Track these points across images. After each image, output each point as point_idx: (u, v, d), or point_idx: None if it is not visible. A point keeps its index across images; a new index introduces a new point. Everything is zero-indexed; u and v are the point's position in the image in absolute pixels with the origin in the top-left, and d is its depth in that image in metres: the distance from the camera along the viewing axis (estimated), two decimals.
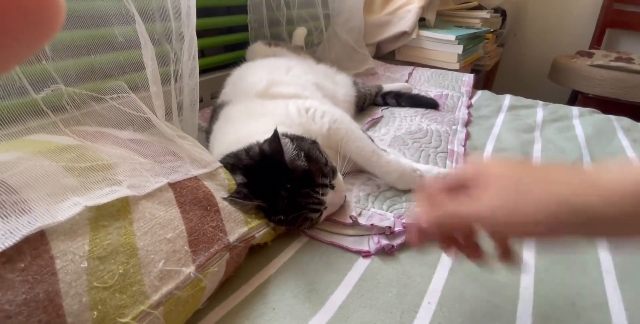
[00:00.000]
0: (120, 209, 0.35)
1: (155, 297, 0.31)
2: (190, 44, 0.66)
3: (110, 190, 0.36)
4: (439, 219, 0.29)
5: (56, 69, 0.52)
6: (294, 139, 0.47)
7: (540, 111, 0.94)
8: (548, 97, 1.09)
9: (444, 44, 1.33)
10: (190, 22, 0.65)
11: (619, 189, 0.22)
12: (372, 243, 0.46)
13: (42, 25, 0.10)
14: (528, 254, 0.46)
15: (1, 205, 0.30)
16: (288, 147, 0.45)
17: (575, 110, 0.93)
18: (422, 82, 1.16)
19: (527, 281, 0.42)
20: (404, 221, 0.49)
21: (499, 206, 0.25)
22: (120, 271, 0.30)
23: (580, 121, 0.87)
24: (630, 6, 1.75)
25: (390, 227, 0.47)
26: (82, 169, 0.37)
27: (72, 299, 0.28)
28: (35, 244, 0.28)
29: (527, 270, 0.43)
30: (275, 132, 0.45)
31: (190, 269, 0.34)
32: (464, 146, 0.74)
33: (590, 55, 1.67)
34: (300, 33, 1.08)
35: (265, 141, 0.47)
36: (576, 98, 1.60)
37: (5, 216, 0.29)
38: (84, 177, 0.36)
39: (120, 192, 0.36)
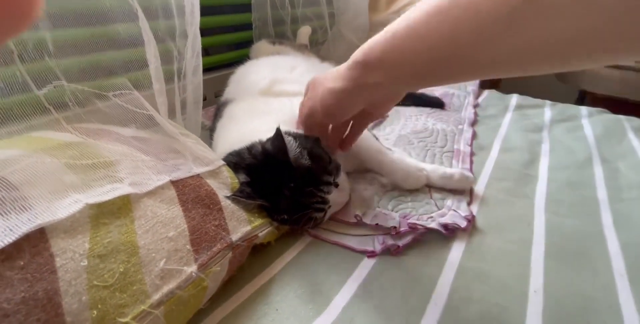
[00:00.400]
0: (121, 207, 0.34)
1: (156, 296, 0.31)
2: (194, 42, 0.66)
3: (111, 187, 0.35)
4: (303, 119, 0.50)
5: (59, 66, 0.52)
6: (297, 137, 0.46)
7: (548, 110, 0.93)
8: (555, 97, 1.08)
9: None
10: (194, 20, 0.65)
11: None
12: (377, 243, 0.45)
13: (12, 16, 0.09)
14: (538, 255, 0.45)
15: (1, 202, 0.30)
16: (291, 146, 0.44)
17: (584, 110, 0.92)
18: None
19: (536, 284, 0.41)
20: (409, 221, 0.48)
21: (310, 104, 0.46)
22: (121, 270, 0.30)
23: (590, 121, 0.85)
24: None
25: (395, 227, 0.47)
26: (84, 166, 0.37)
27: (71, 298, 0.27)
28: (35, 242, 0.28)
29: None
30: (278, 131, 0.44)
31: (192, 269, 0.34)
32: (471, 145, 0.73)
33: None
34: (304, 31, 1.08)
35: (268, 139, 0.46)
36: (584, 98, 1.58)
37: (5, 213, 0.29)
38: (85, 175, 0.36)
39: (122, 189, 0.35)
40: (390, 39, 0.34)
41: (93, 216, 0.32)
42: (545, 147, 0.73)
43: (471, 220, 0.50)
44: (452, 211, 0.51)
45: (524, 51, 0.27)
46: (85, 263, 0.28)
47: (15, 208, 0.30)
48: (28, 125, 0.53)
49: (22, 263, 0.26)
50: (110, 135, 0.47)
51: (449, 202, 0.53)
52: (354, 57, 0.38)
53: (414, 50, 0.32)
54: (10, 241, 0.26)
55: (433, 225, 0.48)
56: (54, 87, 0.50)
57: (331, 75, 0.42)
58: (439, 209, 0.52)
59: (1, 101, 0.51)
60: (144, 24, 0.56)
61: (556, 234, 0.49)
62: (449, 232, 0.47)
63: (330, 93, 0.42)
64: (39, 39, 0.50)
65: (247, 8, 0.96)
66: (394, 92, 0.43)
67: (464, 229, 0.48)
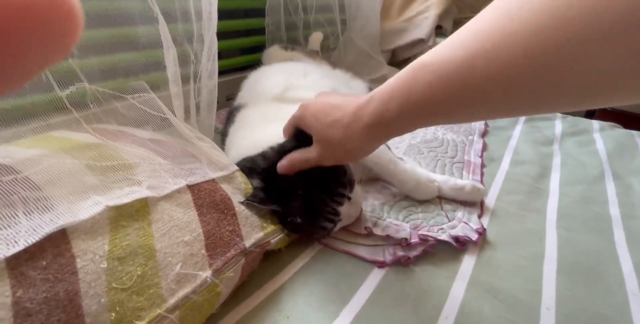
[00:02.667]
0: (139, 210, 0.35)
1: (172, 301, 0.31)
2: (211, 46, 0.67)
3: (130, 190, 0.36)
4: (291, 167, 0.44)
5: (81, 66, 0.53)
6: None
7: (559, 123, 0.93)
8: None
9: None
10: (211, 25, 0.66)
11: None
12: (387, 254, 0.45)
13: (57, 41, 0.10)
14: (550, 271, 0.45)
15: (25, 201, 0.30)
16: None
17: (595, 124, 0.92)
18: None
19: (549, 301, 0.40)
20: (420, 232, 0.48)
21: (325, 157, 0.41)
22: (139, 273, 0.30)
23: (601, 135, 0.85)
24: None
25: (406, 238, 0.47)
26: (104, 168, 0.38)
27: (91, 300, 0.27)
28: (57, 243, 0.28)
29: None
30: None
31: (207, 274, 0.34)
32: (481, 157, 0.73)
33: None
34: (316, 38, 1.08)
35: (287, 139, 0.46)
36: (594, 111, 1.57)
37: (28, 212, 0.29)
38: (105, 176, 0.36)
39: (140, 192, 0.36)
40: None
41: (112, 218, 0.33)
42: (556, 161, 0.73)
43: (482, 233, 0.50)
44: (463, 223, 0.51)
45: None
46: (104, 265, 0.29)
47: (38, 208, 0.30)
48: (47, 123, 0.54)
49: (44, 263, 0.27)
50: (127, 137, 0.48)
51: (460, 214, 0.53)
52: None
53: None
54: (34, 241, 0.27)
55: (444, 237, 0.48)
56: (76, 88, 0.51)
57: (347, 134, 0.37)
58: (450, 221, 0.52)
59: (24, 100, 0.52)
60: (163, 27, 0.57)
61: (568, 250, 0.48)
62: (460, 245, 0.47)
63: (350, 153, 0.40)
64: None
65: (260, 13, 0.97)
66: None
67: (474, 242, 0.48)
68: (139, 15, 0.61)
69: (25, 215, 0.29)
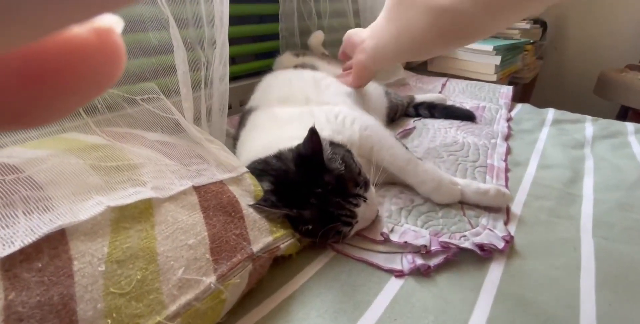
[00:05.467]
0: (142, 211, 0.33)
1: (173, 307, 0.29)
2: (222, 50, 0.66)
3: (134, 191, 0.35)
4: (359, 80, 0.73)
5: None
6: (331, 144, 0.45)
7: (589, 126, 0.87)
8: (594, 112, 1.01)
9: (481, 54, 1.28)
10: (222, 28, 0.65)
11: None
12: (405, 262, 0.42)
13: (101, 81, 0.10)
14: (588, 285, 0.40)
15: (25, 201, 0.29)
16: (326, 147, 0.42)
17: (630, 126, 0.85)
18: (456, 94, 1.11)
19: (588, 318, 0.36)
20: (441, 239, 0.45)
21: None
22: (138, 277, 0.28)
23: (637, 138, 0.79)
24: None
25: (425, 246, 0.43)
26: (108, 168, 0.37)
27: (86, 305, 0.26)
28: (55, 243, 0.27)
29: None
30: (314, 130, 0.42)
31: (210, 279, 0.32)
32: (505, 160, 0.69)
33: None
34: (316, 38, 1.02)
35: (303, 141, 0.45)
36: (626, 114, 1.48)
37: (28, 212, 0.28)
38: (109, 177, 0.35)
39: (144, 193, 0.35)
40: None
41: (114, 219, 0.31)
42: (589, 165, 0.68)
43: (509, 241, 0.46)
44: (488, 230, 0.47)
45: None
46: (102, 268, 0.27)
47: (38, 208, 0.29)
48: (59, 128, 0.54)
49: (40, 265, 0.25)
50: (136, 138, 0.47)
51: (484, 220, 0.50)
52: None
53: None
54: (31, 241, 0.26)
55: (467, 245, 0.44)
56: None
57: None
58: (473, 228, 0.48)
59: None
60: (174, 31, 0.57)
61: (607, 261, 0.44)
62: (486, 254, 0.44)
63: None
64: None
65: (274, 18, 0.97)
66: None
67: (501, 251, 0.44)
68: (150, 21, 0.61)
69: (25, 215, 0.28)
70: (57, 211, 0.29)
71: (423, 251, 0.43)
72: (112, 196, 0.33)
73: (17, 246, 0.25)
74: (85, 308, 0.26)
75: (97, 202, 0.31)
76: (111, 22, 0.10)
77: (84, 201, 0.31)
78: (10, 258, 0.25)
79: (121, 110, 0.54)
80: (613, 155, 0.72)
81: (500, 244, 0.45)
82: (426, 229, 0.47)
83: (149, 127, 0.53)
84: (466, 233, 0.47)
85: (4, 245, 0.25)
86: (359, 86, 0.74)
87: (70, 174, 0.34)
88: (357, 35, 0.71)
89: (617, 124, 0.87)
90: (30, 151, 0.38)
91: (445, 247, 0.44)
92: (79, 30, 0.09)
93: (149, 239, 0.31)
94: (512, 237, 0.47)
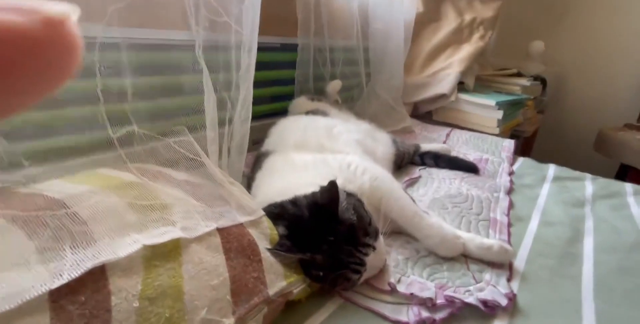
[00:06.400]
0: (172, 250, 0.36)
1: None
2: (247, 95, 0.72)
3: (165, 230, 0.37)
4: None
5: (132, 109, 0.59)
6: (345, 193, 0.48)
7: (589, 184, 0.91)
8: (592, 169, 1.05)
9: (484, 108, 1.35)
10: (249, 75, 0.72)
11: None
12: (411, 314, 0.44)
13: (54, 76, 0.09)
14: None
15: (72, 235, 0.32)
16: (342, 198, 0.46)
17: (629, 187, 0.89)
18: (460, 144, 1.17)
19: None
20: (446, 293, 0.46)
21: None
22: (167, 315, 0.30)
23: (635, 200, 0.82)
24: None
25: (432, 298, 0.45)
26: (143, 207, 0.40)
27: None
28: (97, 278, 0.30)
29: None
30: (334, 183, 0.46)
31: (229, 321, 0.34)
32: (508, 215, 0.72)
33: (639, 128, 1.62)
34: (334, 86, 1.10)
35: (321, 190, 0.48)
36: (626, 172, 1.52)
37: (74, 246, 0.31)
38: (143, 215, 0.38)
39: (174, 233, 0.37)
40: None
41: (146, 257, 0.34)
42: (589, 225, 0.70)
43: (512, 298, 0.47)
44: (491, 286, 0.49)
45: None
46: (136, 304, 0.30)
47: (82, 243, 0.32)
48: (91, 159, 0.58)
49: (83, 299, 0.28)
50: (165, 177, 0.51)
51: (487, 275, 0.51)
52: None
53: None
54: (77, 275, 0.28)
55: (471, 300, 0.46)
56: (126, 131, 0.56)
57: None
58: (477, 283, 0.50)
59: (79, 137, 0.57)
60: (206, 77, 0.64)
61: None
62: (489, 310, 0.45)
63: None
64: (121, 85, 0.58)
65: (291, 65, 1.05)
66: None
67: (504, 308, 0.46)
68: (186, 66, 0.68)
69: (72, 249, 0.31)
70: (98, 247, 0.32)
71: (429, 303, 0.45)
72: (145, 234, 0.36)
73: (65, 279, 0.28)
74: None
75: (134, 240, 0.34)
76: (63, 10, 0.09)
77: (122, 237, 0.34)
78: (58, 290, 0.27)
79: (153, 149, 0.59)
80: (612, 216, 0.74)
81: (504, 302, 0.46)
82: (432, 281, 0.49)
83: (173, 163, 0.57)
84: (470, 288, 0.48)
85: (53, 277, 0.28)
86: None
87: (111, 211, 0.37)
88: None
89: (617, 185, 0.91)
90: (70, 185, 0.41)
91: (450, 301, 0.45)
92: (23, 20, 0.08)
93: (177, 277, 0.34)
94: (514, 295, 0.48)
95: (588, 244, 0.64)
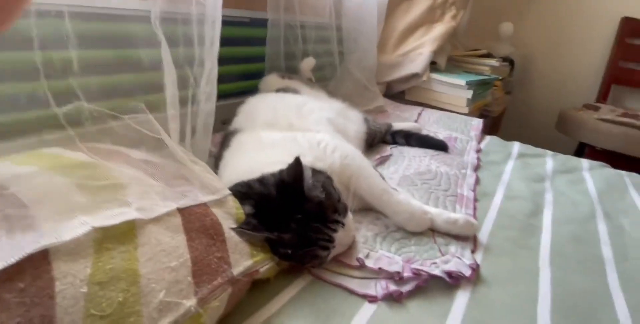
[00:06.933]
0: (126, 232, 0.34)
1: None
2: (211, 71, 0.68)
3: (119, 211, 0.35)
4: None
5: (80, 85, 0.54)
6: (312, 171, 0.47)
7: (549, 160, 0.95)
8: (554, 147, 1.10)
9: (454, 88, 1.37)
10: (213, 51, 0.68)
11: None
12: (379, 288, 0.44)
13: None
14: (544, 313, 0.43)
15: (8, 220, 0.29)
16: (308, 175, 0.45)
17: (585, 162, 0.94)
18: (431, 123, 1.18)
19: None
20: (413, 266, 0.47)
21: None
22: (120, 300, 0.29)
23: (591, 174, 0.86)
24: (635, 64, 1.82)
25: (399, 272, 0.46)
26: (94, 188, 0.37)
27: None
28: (37, 264, 0.27)
29: None
30: (298, 159, 0.44)
31: (191, 303, 0.32)
32: (474, 191, 0.73)
33: (596, 108, 1.70)
34: (307, 64, 1.07)
35: (286, 168, 0.47)
36: (583, 150, 1.61)
37: (11, 231, 0.28)
38: (95, 196, 0.36)
39: (129, 214, 0.35)
40: None
41: (97, 239, 0.32)
42: (548, 198, 0.74)
43: (475, 269, 0.49)
44: (456, 258, 0.50)
45: None
46: (84, 289, 0.28)
47: (21, 227, 0.29)
48: (42, 139, 0.54)
49: (22, 286, 0.26)
50: (121, 157, 0.48)
51: (453, 248, 0.53)
52: None
53: None
54: (14, 261, 0.26)
55: (437, 272, 0.47)
56: (74, 106, 0.51)
57: None
58: (443, 255, 0.51)
59: (20, 115, 0.52)
60: (165, 51, 0.59)
61: (562, 291, 0.47)
62: (453, 281, 0.46)
63: None
64: (65, 58, 0.53)
65: (261, 42, 1.00)
66: None
67: (468, 278, 0.47)
68: (142, 39, 0.63)
69: (8, 234, 0.28)
70: (40, 231, 0.29)
71: (396, 277, 0.45)
72: (97, 216, 0.33)
73: (0, 266, 0.25)
74: None
75: (81, 222, 0.32)
76: None
77: (68, 220, 0.32)
78: None
79: (106, 125, 0.55)
80: (570, 190, 0.78)
81: (468, 272, 0.48)
82: (399, 255, 0.50)
83: (134, 144, 0.54)
84: (436, 260, 0.49)
85: None
86: None
87: (56, 193, 0.34)
88: None
89: (574, 160, 0.95)
90: (14, 166, 0.38)
91: (417, 274, 0.46)
92: None
93: (132, 260, 0.32)
94: (478, 265, 0.50)
95: (547, 217, 0.67)
